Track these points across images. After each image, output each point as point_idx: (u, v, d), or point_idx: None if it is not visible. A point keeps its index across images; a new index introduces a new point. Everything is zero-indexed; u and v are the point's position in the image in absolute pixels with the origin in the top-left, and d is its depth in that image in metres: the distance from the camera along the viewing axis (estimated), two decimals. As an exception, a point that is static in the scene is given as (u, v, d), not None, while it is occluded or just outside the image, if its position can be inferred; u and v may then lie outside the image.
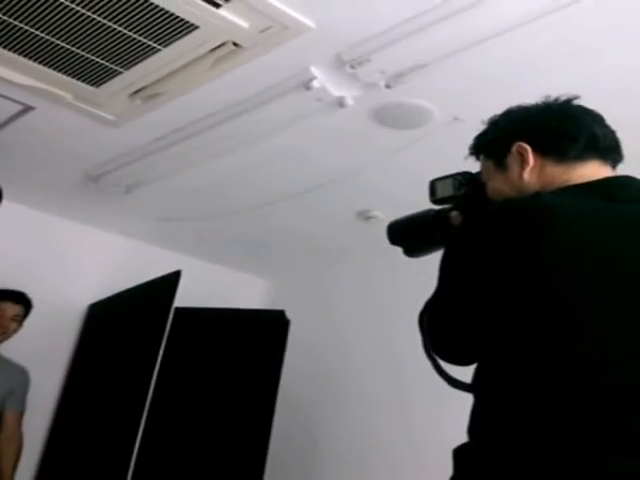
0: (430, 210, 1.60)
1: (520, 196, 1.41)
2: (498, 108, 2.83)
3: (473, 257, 1.31)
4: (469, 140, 3.19)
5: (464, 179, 1.55)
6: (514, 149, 1.46)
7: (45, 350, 4.20)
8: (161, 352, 3.75)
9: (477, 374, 1.33)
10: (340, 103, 2.80)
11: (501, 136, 1.50)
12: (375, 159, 3.24)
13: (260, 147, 3.22)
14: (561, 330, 1.21)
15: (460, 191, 1.54)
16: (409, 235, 1.63)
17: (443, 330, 1.34)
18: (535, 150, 1.44)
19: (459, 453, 1.27)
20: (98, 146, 3.37)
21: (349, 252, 4.42)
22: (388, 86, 2.69)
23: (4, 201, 3.02)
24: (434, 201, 1.58)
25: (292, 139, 3.15)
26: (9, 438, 3.82)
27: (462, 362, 1.36)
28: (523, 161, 1.44)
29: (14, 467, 3.83)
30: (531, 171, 1.43)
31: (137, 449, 3.61)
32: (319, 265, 4.71)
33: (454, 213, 1.54)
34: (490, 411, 1.26)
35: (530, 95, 2.66)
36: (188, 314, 4.11)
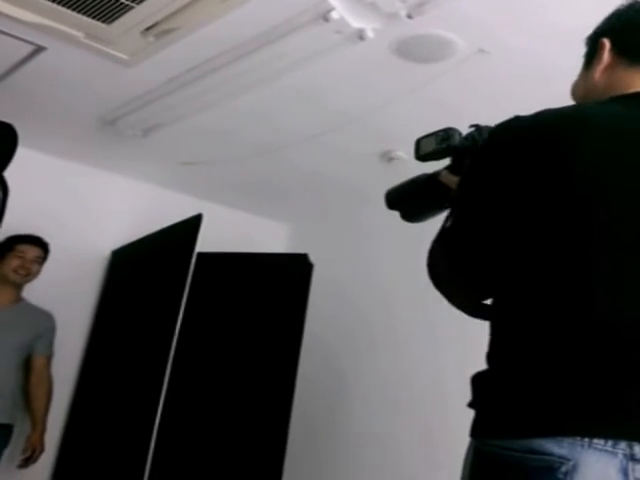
0: (424, 174, 1.57)
1: (564, 106, 1.30)
2: (525, 37, 2.72)
3: (496, 176, 1.24)
4: (496, 72, 3.07)
5: (446, 134, 1.49)
6: (598, 46, 1.38)
7: (71, 296, 4.24)
8: (185, 296, 3.73)
9: (496, 300, 1.28)
10: (360, 35, 2.69)
11: (594, 32, 1.43)
12: (397, 95, 3.12)
13: (279, 84, 3.12)
14: (589, 246, 1.15)
15: (442, 145, 1.48)
16: (405, 199, 1.62)
17: (465, 261, 1.28)
18: (614, 48, 1.36)
19: (477, 380, 1.25)
20: (113, 87, 3.29)
21: (373, 194, 4.31)
22: (409, 16, 2.57)
23: (21, 148, 2.97)
24: (418, 157, 1.54)
25: (311, 75, 3.05)
26: (39, 381, 3.92)
27: (481, 295, 1.30)
28: (598, 58, 1.37)
29: (46, 408, 3.93)
30: (604, 70, 1.36)
31: (165, 389, 3.62)
32: (343, 208, 4.64)
33: (444, 172, 1.50)
34: (508, 337, 1.22)
35: (558, 23, 2.54)
36: (210, 259, 4.08)
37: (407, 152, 3.70)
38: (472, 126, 1.47)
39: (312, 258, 4.01)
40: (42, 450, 3.89)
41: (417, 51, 2.82)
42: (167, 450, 3.72)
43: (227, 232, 4.40)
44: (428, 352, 3.98)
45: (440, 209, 1.49)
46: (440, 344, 3.94)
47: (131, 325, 4.06)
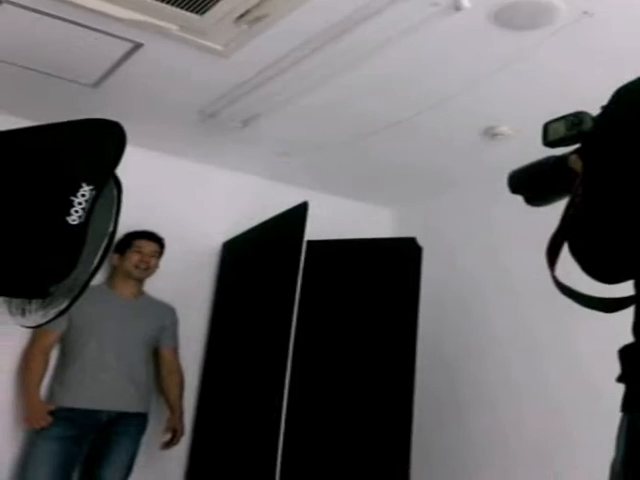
0: (550, 157, 1.51)
1: None
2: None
3: (623, 141, 1.18)
4: (601, 35, 2.91)
5: (577, 119, 1.40)
6: None
7: (188, 289, 4.33)
8: (299, 285, 3.74)
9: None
10: (456, 6, 2.59)
11: None
12: (498, 67, 3.00)
13: (375, 63, 3.04)
14: None
15: (572, 131, 1.40)
16: (530, 184, 1.56)
17: (602, 243, 1.21)
18: None
19: (625, 353, 1.21)
20: (210, 79, 3.31)
21: (476, 175, 4.23)
22: (507, -19, 2.47)
23: (128, 146, 3.05)
24: (546, 144, 1.47)
25: (408, 50, 2.94)
26: (169, 372, 4.08)
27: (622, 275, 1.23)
28: None
29: (180, 396, 4.08)
30: None
31: (288, 374, 3.64)
32: (446, 189, 4.56)
33: (572, 157, 1.42)
34: None
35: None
36: (319, 247, 4.08)
37: (511, 127, 3.58)
38: (603, 107, 1.39)
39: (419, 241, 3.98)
40: (182, 433, 4.04)
41: (516, 18, 2.69)
42: (296, 432, 3.74)
43: (330, 220, 4.36)
44: (552, 327, 3.85)
45: (567, 194, 1.40)
46: (565, 318, 3.79)
47: (248, 314, 4.10)
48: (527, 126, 3.48)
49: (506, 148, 3.68)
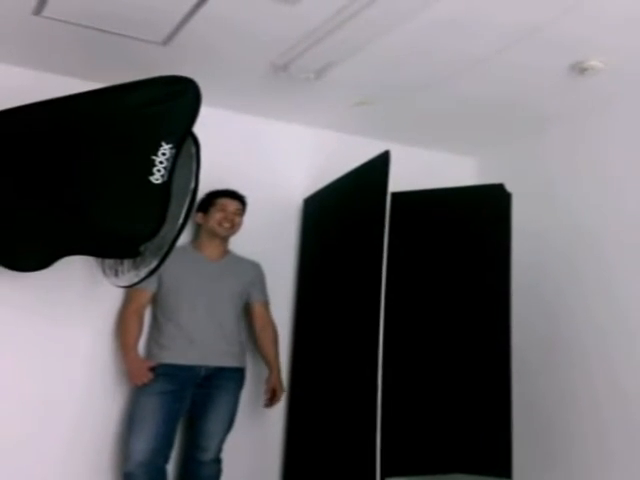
0: None
1: None
2: None
3: None
4: None
5: None
6: None
7: (272, 247, 4.36)
8: (386, 238, 3.68)
9: None
10: None
11: None
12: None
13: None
14: None
15: None
16: None
17: None
18: None
19: None
20: (280, 29, 3.24)
21: (563, 114, 4.06)
22: None
23: (202, 106, 3.05)
24: None
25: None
26: (262, 325, 4.12)
27: None
28: None
29: (276, 354, 4.12)
30: None
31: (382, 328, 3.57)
32: (531, 133, 4.39)
33: None
34: None
35: None
36: (403, 198, 3.99)
37: (602, 60, 3.38)
38: None
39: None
40: (282, 389, 4.09)
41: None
42: (394, 382, 3.65)
43: (411, 172, 4.22)
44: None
45: None
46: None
47: (336, 268, 4.06)
48: (622, 58, 3.31)
49: (599, 83, 3.50)
